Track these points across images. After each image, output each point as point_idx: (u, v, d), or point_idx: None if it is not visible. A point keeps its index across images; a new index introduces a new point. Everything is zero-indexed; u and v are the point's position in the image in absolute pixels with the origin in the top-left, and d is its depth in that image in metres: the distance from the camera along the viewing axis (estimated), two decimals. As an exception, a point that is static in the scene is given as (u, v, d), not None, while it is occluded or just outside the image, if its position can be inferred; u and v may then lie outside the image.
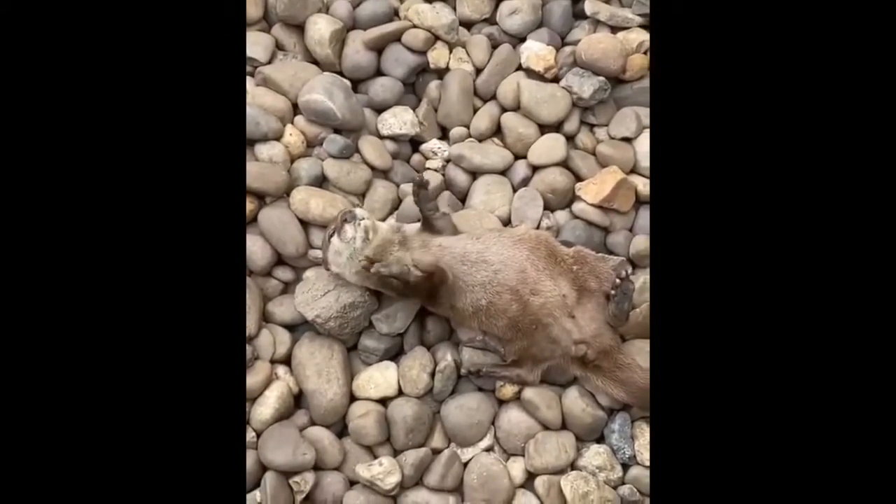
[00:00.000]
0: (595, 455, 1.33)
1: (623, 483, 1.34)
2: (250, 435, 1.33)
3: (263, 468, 1.30)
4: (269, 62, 1.52)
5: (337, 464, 1.34)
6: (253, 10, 1.53)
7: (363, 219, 1.29)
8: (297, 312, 1.37)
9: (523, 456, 1.35)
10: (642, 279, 1.38)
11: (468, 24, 1.60)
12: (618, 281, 1.26)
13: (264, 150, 1.44)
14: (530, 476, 1.35)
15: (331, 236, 1.30)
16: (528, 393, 1.34)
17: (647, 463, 1.33)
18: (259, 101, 1.45)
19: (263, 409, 1.33)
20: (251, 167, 1.40)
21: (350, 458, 1.34)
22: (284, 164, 1.44)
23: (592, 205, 1.43)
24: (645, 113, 1.51)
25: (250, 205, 1.40)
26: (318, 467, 1.32)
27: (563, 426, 1.36)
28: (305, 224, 1.42)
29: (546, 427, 1.35)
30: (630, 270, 1.33)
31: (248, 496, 1.29)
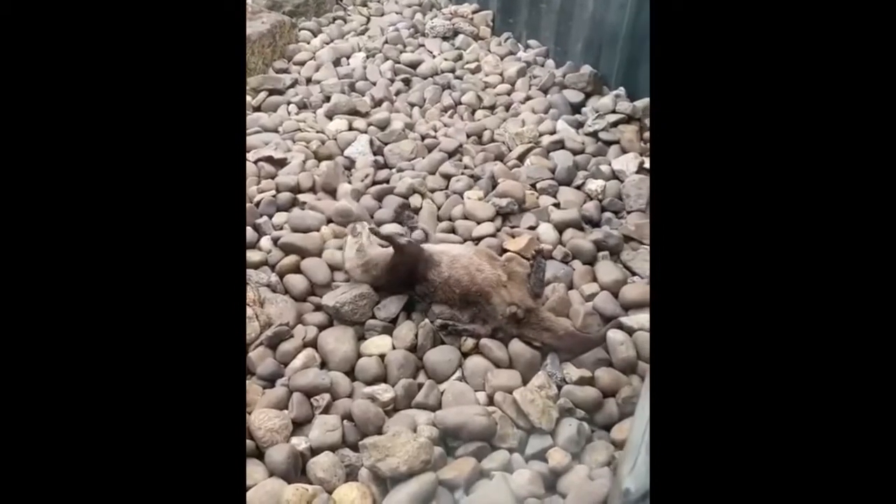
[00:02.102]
0: (536, 378, 1.80)
1: (559, 397, 1.78)
2: (285, 378, 1.80)
3: (291, 393, 1.75)
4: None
5: (347, 393, 1.78)
6: (306, 182, 2.60)
7: (366, 226, 2.10)
8: (325, 317, 2.00)
9: (484, 390, 1.81)
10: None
11: (432, 191, 2.66)
12: (533, 253, 2.00)
13: (307, 237, 2.29)
14: (490, 400, 1.78)
15: (347, 238, 2.09)
16: (484, 341, 1.89)
17: (574, 380, 1.81)
18: (308, 214, 2.38)
19: (295, 362, 1.85)
20: (299, 236, 2.22)
21: (356, 393, 1.79)
22: (322, 238, 2.28)
23: (514, 252, 2.23)
24: (539, 216, 2.45)
25: (296, 257, 2.18)
26: (333, 398, 1.76)
27: (511, 366, 1.87)
28: (332, 268, 2.17)
29: (498, 366, 1.86)
30: (541, 249, 2.05)
31: (279, 413, 1.69)
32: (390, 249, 2.08)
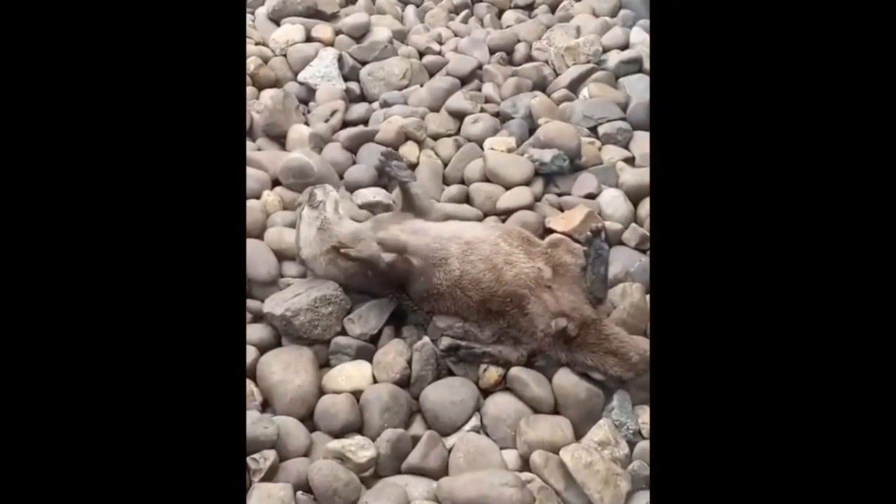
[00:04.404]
0: (596, 430, 1.80)
1: (631, 460, 1.78)
2: (205, 426, 1.82)
3: (218, 449, 1.76)
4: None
5: (303, 450, 1.79)
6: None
7: (332, 190, 2.10)
8: (268, 332, 2.02)
9: (515, 447, 1.82)
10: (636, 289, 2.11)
11: (434, 137, 2.66)
12: (589, 235, 1.99)
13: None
14: (524, 464, 1.79)
15: (302, 210, 2.09)
16: (515, 371, 1.90)
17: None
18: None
19: (223, 400, 1.85)
20: (231, 207, 2.23)
21: (317, 450, 1.80)
22: (263, 208, 2.28)
23: (562, 233, 2.23)
24: (603, 178, 2.45)
25: (225, 239, 2.19)
26: (282, 457, 1.77)
27: (556, 410, 1.87)
28: (279, 257, 2.17)
29: (537, 410, 1.86)
30: (603, 229, 2.04)
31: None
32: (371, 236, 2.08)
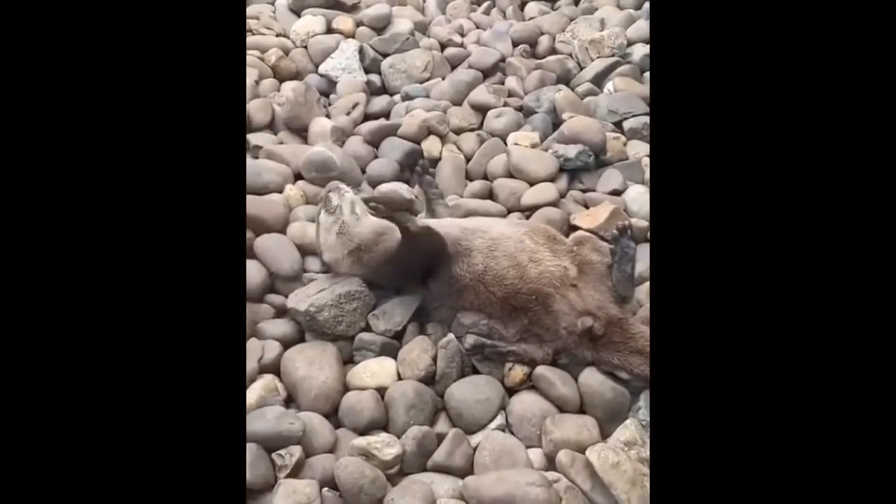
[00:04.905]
0: (622, 430, 1.82)
1: (659, 460, 1.79)
2: (230, 420, 1.84)
3: (243, 444, 1.78)
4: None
5: (328, 447, 1.81)
6: (260, 115, 2.62)
7: (347, 191, 2.11)
8: (292, 327, 2.04)
9: (540, 446, 1.83)
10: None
11: (457, 132, 2.67)
12: (615, 233, 2.00)
13: (263, 202, 2.31)
14: (550, 463, 1.80)
15: (319, 215, 2.10)
16: (540, 370, 1.91)
17: (682, 434, 1.82)
18: (264, 166, 2.40)
19: (248, 395, 1.87)
20: (250, 200, 2.25)
21: (342, 447, 1.82)
22: (286, 203, 2.30)
23: (588, 230, 2.24)
24: (629, 174, 2.46)
25: (248, 233, 2.20)
26: (307, 453, 1.79)
27: (582, 410, 1.89)
28: (302, 251, 2.19)
29: (563, 409, 1.88)
30: (629, 225, 2.05)
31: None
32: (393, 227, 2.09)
